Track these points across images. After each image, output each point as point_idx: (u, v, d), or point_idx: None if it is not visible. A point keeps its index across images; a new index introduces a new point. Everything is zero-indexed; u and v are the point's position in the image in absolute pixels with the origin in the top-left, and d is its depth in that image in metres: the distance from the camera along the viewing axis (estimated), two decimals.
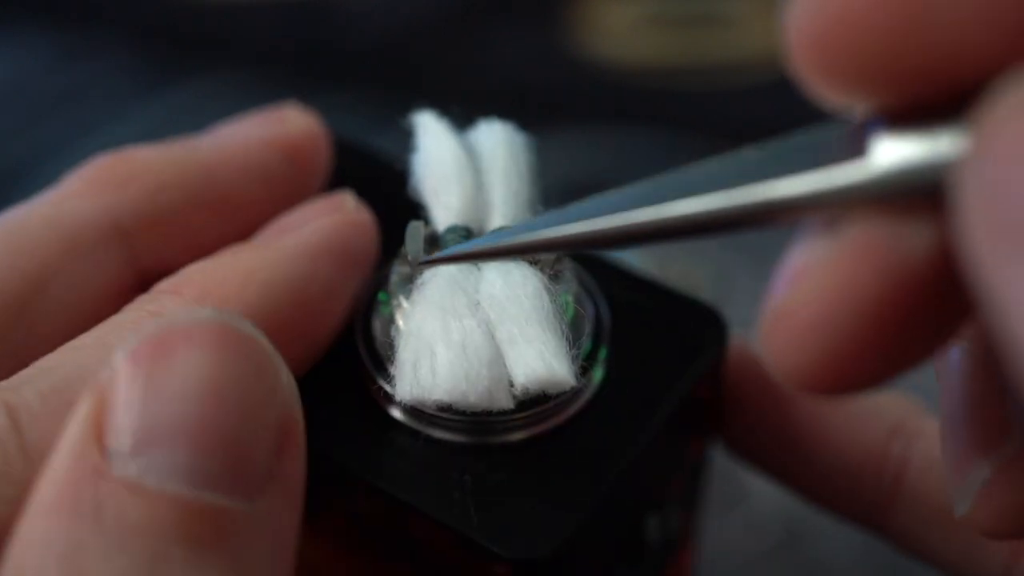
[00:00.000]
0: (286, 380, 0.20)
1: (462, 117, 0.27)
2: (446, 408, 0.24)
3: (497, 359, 0.23)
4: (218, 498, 0.19)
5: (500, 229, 0.25)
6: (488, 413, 0.24)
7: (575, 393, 0.25)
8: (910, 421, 0.27)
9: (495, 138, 0.26)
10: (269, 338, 0.23)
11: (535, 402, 0.24)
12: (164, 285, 0.24)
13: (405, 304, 0.25)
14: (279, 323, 0.24)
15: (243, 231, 0.26)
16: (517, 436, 0.25)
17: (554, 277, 0.25)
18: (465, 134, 0.27)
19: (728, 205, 0.17)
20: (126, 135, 0.60)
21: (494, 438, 0.25)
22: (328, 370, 0.26)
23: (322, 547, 0.27)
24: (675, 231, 0.18)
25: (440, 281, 0.24)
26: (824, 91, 0.16)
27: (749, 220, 0.17)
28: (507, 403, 0.24)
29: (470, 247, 0.24)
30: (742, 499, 0.45)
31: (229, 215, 0.26)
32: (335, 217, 0.26)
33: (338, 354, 0.26)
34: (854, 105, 0.16)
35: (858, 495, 0.28)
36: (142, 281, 0.25)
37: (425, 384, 0.23)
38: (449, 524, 0.23)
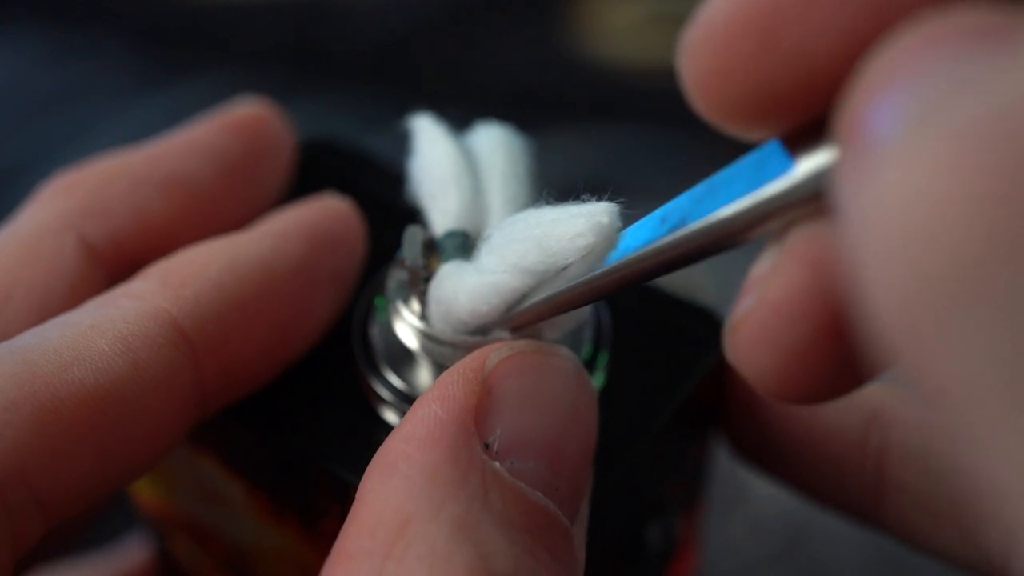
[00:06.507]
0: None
1: (460, 119, 0.27)
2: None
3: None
4: (562, 518, 0.21)
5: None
6: None
7: None
8: (887, 409, 0.27)
9: (493, 141, 0.26)
10: (242, 316, 0.24)
11: None
12: (137, 274, 0.25)
13: (403, 309, 0.25)
14: (247, 299, 0.24)
15: (205, 207, 0.27)
16: None
17: None
18: (463, 136, 0.27)
19: (689, 235, 0.18)
20: (126, 135, 0.60)
21: None
22: (325, 376, 0.25)
23: (323, 553, 0.27)
24: (643, 275, 0.20)
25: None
26: (729, 129, 0.18)
27: (709, 247, 0.18)
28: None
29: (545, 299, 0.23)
30: (744, 502, 0.45)
31: (179, 191, 0.27)
32: (307, 205, 0.26)
33: (334, 360, 0.26)
34: (760, 134, 0.17)
35: (846, 489, 0.28)
36: (108, 274, 0.26)
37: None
38: None
